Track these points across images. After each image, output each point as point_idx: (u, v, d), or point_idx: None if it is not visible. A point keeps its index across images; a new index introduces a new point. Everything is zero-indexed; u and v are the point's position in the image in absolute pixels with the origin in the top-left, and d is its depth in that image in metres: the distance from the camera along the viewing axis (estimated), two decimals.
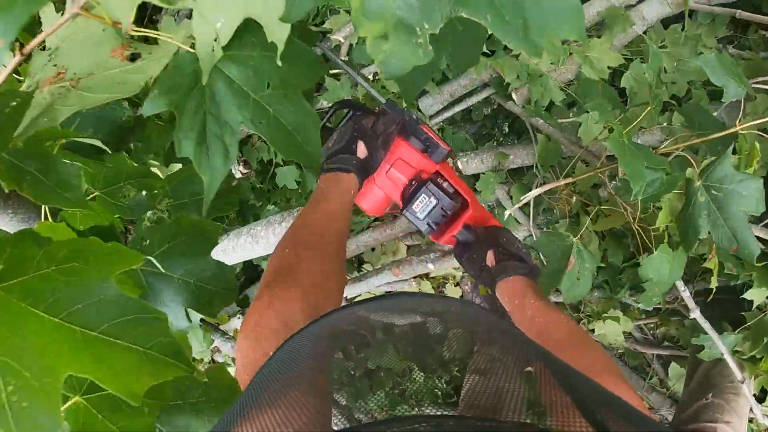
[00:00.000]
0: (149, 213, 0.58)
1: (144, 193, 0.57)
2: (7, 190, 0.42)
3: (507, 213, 1.24)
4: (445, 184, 0.85)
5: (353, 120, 0.83)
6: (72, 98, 0.43)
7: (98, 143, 0.52)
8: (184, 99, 0.44)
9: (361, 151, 0.79)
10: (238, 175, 1.28)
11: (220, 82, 0.45)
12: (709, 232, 0.93)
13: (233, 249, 1.29)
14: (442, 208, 0.83)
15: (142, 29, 0.45)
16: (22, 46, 0.49)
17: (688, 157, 0.93)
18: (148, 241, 0.54)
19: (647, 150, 0.93)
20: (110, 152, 0.55)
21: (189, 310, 0.56)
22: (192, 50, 0.43)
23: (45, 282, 0.36)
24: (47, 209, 0.63)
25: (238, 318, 1.83)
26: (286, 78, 0.46)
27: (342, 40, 1.33)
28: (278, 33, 0.39)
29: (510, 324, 0.59)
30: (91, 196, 0.55)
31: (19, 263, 0.36)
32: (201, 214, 0.61)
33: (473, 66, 0.55)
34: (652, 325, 1.55)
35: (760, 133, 1.00)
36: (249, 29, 0.41)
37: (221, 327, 1.77)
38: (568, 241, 1.07)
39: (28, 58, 0.52)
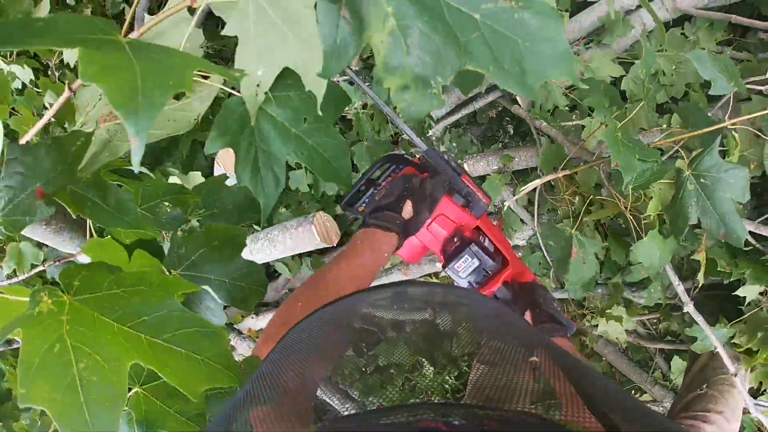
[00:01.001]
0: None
1: (179, 207, 0.64)
2: (74, 216, 0.49)
3: (507, 204, 1.34)
4: (486, 243, 0.86)
5: (404, 177, 0.82)
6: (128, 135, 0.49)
7: (144, 170, 0.59)
8: (237, 138, 0.51)
9: (407, 211, 0.78)
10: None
11: (265, 121, 0.52)
12: (699, 220, 0.98)
13: (251, 253, 1.36)
14: (483, 269, 0.84)
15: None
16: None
17: (681, 152, 1.00)
18: (183, 249, 0.61)
19: (640, 143, 0.99)
20: (149, 173, 0.62)
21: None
22: (238, 94, 0.50)
23: (114, 299, 0.43)
24: (92, 226, 0.70)
25: (252, 318, 1.91)
26: (319, 114, 0.50)
27: None
28: (317, 86, 0.44)
29: (518, 315, 0.59)
30: None
31: (92, 284, 0.42)
32: (229, 222, 0.69)
33: (477, 86, 0.60)
34: (655, 321, 1.60)
35: (754, 131, 1.04)
36: (285, 73, 0.46)
37: (236, 326, 1.85)
38: (567, 233, 1.16)
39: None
